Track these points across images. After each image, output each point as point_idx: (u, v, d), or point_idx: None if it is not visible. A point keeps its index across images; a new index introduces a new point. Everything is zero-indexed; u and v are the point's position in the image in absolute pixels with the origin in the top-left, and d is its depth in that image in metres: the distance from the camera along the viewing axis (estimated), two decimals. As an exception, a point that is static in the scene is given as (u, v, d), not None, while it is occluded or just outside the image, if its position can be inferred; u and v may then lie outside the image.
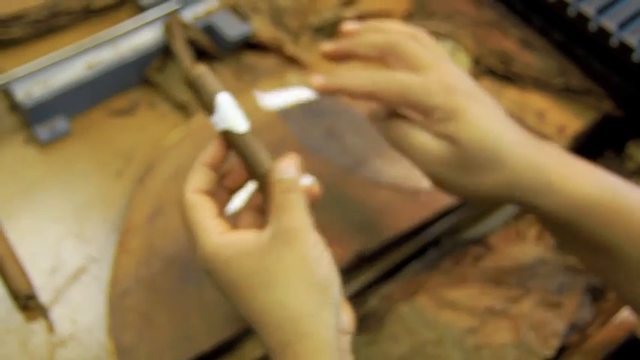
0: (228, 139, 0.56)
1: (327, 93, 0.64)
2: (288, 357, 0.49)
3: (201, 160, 0.57)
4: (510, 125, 0.59)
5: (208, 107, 0.55)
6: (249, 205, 0.60)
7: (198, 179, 0.56)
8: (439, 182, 0.61)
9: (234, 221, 0.58)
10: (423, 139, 0.59)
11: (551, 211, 0.58)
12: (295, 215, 0.51)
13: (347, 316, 0.56)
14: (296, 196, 0.52)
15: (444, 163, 0.59)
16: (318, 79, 0.64)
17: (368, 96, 0.61)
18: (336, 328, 0.51)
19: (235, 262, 0.51)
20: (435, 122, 0.59)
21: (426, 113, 0.59)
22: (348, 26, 0.67)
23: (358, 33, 0.66)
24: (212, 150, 0.57)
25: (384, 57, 0.63)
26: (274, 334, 0.50)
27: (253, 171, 0.56)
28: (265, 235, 0.52)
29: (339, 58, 0.67)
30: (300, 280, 0.50)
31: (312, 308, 0.50)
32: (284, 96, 0.62)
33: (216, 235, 0.53)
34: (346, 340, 0.54)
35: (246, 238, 0.52)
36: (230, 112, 0.54)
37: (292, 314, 0.50)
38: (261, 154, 0.56)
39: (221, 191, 0.59)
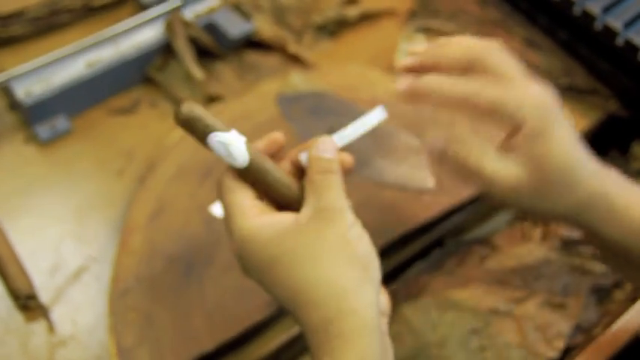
0: (234, 170, 0.54)
1: (412, 98, 0.61)
2: (332, 334, 0.48)
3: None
4: (583, 149, 0.58)
5: (204, 146, 0.53)
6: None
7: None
8: (506, 204, 0.61)
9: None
10: (498, 165, 0.56)
11: (612, 238, 0.57)
12: (333, 195, 0.51)
13: (384, 299, 0.56)
14: (334, 176, 0.52)
15: (520, 188, 0.56)
16: (405, 84, 0.61)
17: (457, 103, 0.58)
18: (377, 306, 0.51)
19: (275, 240, 0.51)
20: (523, 140, 0.55)
21: (514, 129, 0.56)
22: (417, 49, 0.64)
23: (429, 52, 0.62)
24: (264, 142, 0.57)
25: (467, 70, 0.59)
26: (318, 310, 0.49)
27: (267, 194, 0.55)
28: (304, 214, 0.51)
29: (422, 71, 0.61)
30: (343, 256, 0.50)
31: (356, 284, 0.50)
32: (354, 128, 0.60)
33: (254, 216, 0.52)
34: (384, 322, 0.54)
35: (285, 218, 0.52)
36: (224, 152, 0.52)
37: (336, 290, 0.49)
38: (267, 179, 0.54)
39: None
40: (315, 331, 0.49)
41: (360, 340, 0.48)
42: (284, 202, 0.55)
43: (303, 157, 0.55)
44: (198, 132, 0.51)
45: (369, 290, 0.50)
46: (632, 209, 0.57)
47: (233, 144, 0.52)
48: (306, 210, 0.52)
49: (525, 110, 0.55)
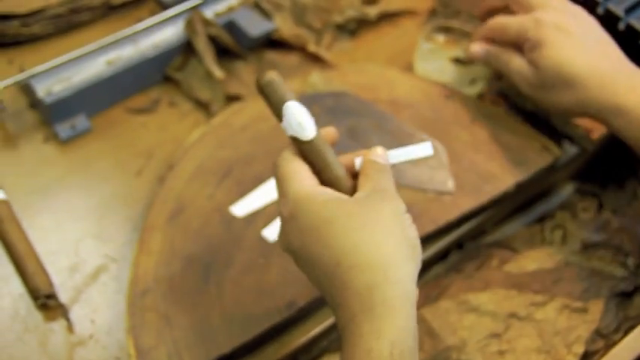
0: (297, 144, 0.57)
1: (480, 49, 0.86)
2: (376, 299, 0.49)
3: None
4: (594, 53, 0.75)
5: (277, 114, 0.56)
6: None
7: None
8: (530, 96, 0.80)
9: None
10: (519, 63, 0.79)
11: (625, 131, 0.71)
12: (388, 182, 0.56)
13: (416, 291, 0.57)
14: (389, 174, 0.57)
15: (530, 83, 0.78)
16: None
17: (487, 38, 0.85)
18: (416, 286, 0.53)
19: (333, 204, 0.53)
20: (526, 51, 0.77)
21: (521, 45, 0.78)
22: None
23: None
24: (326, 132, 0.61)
25: (508, 5, 0.84)
26: (364, 274, 0.50)
27: (321, 175, 0.57)
28: (361, 193, 0.55)
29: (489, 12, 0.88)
30: (396, 231, 0.53)
31: (404, 258, 0.52)
32: (397, 154, 0.62)
33: (313, 184, 0.55)
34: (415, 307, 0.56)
35: (342, 194, 0.56)
36: (296, 121, 0.55)
37: (386, 259, 0.51)
38: (327, 159, 0.57)
39: None
40: (359, 294, 0.50)
41: (402, 310, 0.50)
42: (336, 185, 0.57)
43: (357, 162, 0.58)
44: (276, 98, 0.55)
45: (413, 268, 0.53)
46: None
47: (305, 115, 0.55)
48: (362, 190, 0.55)
49: (525, 31, 0.77)
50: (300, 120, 0.55)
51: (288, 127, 0.56)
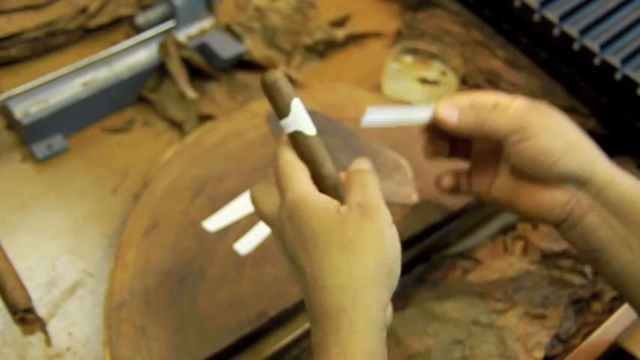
0: (296, 140, 0.58)
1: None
2: (343, 323, 0.51)
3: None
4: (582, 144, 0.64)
5: (282, 111, 0.57)
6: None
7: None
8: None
9: None
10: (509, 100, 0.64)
11: (626, 187, 0.60)
12: (373, 193, 0.55)
13: (390, 310, 0.58)
14: (372, 176, 0.56)
15: (535, 107, 0.63)
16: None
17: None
18: (385, 311, 0.54)
19: (320, 214, 0.54)
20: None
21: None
22: None
23: None
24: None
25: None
26: (335, 297, 0.52)
27: (316, 170, 0.58)
28: (345, 208, 0.54)
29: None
30: (374, 254, 0.53)
31: (376, 285, 0.52)
32: (394, 111, 0.64)
33: (312, 188, 0.56)
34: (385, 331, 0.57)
35: (334, 201, 0.55)
36: (303, 116, 0.57)
37: (357, 284, 0.52)
38: (324, 155, 0.58)
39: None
40: (327, 315, 0.52)
41: (367, 335, 0.51)
42: (327, 186, 0.58)
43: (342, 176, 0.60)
44: (284, 95, 0.56)
45: (385, 295, 0.53)
46: (617, 184, 0.60)
47: (306, 114, 0.57)
48: (347, 205, 0.55)
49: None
50: (304, 117, 0.57)
51: (293, 123, 0.57)
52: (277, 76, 0.56)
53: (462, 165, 0.72)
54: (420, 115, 0.66)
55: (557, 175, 0.60)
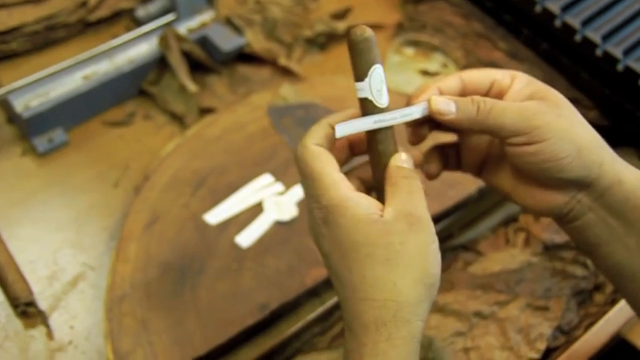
0: (366, 108, 0.53)
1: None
2: (382, 336, 0.50)
3: (329, 119, 0.56)
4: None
5: (360, 73, 0.52)
6: (354, 174, 0.58)
7: (321, 134, 0.55)
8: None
9: None
10: (512, 101, 0.56)
11: (631, 188, 0.55)
12: (419, 201, 0.52)
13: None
14: (418, 183, 0.53)
15: (544, 111, 0.54)
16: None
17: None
18: (425, 323, 0.52)
19: (362, 226, 0.51)
20: (517, 88, 0.57)
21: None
22: None
23: None
24: (346, 114, 0.56)
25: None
26: (376, 309, 0.50)
27: (375, 146, 0.55)
28: (389, 213, 0.51)
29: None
30: (417, 269, 0.51)
31: (417, 299, 0.51)
32: (394, 115, 0.55)
33: (347, 188, 0.52)
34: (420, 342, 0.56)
35: (374, 206, 0.52)
36: (378, 85, 0.52)
37: (399, 297, 0.50)
38: (389, 132, 0.54)
39: (342, 153, 0.58)
40: (366, 327, 0.51)
41: (404, 348, 0.50)
42: (371, 150, 0.55)
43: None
44: (369, 57, 0.52)
45: (426, 307, 0.52)
46: (636, 170, 0.57)
47: (385, 84, 0.53)
48: (389, 209, 0.52)
49: (511, 72, 0.58)
50: (381, 87, 0.52)
51: (366, 89, 0.52)
52: (366, 35, 0.52)
53: (450, 137, 0.63)
54: (420, 110, 0.57)
55: (562, 181, 0.55)
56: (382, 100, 0.53)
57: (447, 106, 0.55)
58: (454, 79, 0.57)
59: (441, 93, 0.56)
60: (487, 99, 0.54)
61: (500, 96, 0.57)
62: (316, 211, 0.53)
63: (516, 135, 0.53)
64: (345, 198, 0.51)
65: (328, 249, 0.53)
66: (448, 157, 0.62)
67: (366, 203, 0.52)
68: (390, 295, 0.50)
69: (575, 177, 0.54)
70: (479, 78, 0.58)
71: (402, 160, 0.54)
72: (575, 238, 0.60)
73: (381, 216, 0.51)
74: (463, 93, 0.57)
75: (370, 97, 0.52)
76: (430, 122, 0.58)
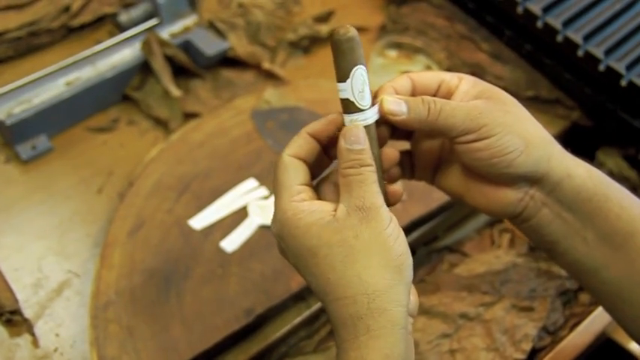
0: (347, 109, 0.53)
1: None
2: (360, 330, 0.50)
3: (307, 128, 0.56)
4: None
5: (343, 73, 0.52)
6: (330, 179, 0.57)
7: (299, 144, 0.55)
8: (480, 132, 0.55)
9: (317, 193, 0.57)
10: (460, 101, 0.56)
11: (581, 182, 0.56)
12: (367, 192, 0.52)
13: (413, 299, 0.56)
14: (366, 170, 0.52)
15: (491, 109, 0.55)
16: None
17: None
18: (407, 306, 0.52)
19: (315, 230, 0.51)
20: (464, 89, 0.57)
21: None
22: None
23: None
24: (324, 122, 0.56)
25: None
26: (349, 306, 0.51)
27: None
28: (340, 211, 0.52)
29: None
30: (378, 256, 0.51)
31: (388, 285, 0.50)
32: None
33: (299, 200, 0.53)
34: (410, 323, 0.55)
35: (327, 209, 0.52)
36: (358, 87, 0.52)
37: (368, 289, 0.50)
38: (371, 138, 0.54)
39: (324, 160, 0.58)
40: (344, 325, 0.51)
41: (386, 338, 0.50)
42: None
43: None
44: (352, 57, 0.51)
45: (401, 291, 0.51)
46: (583, 163, 0.57)
47: (368, 85, 0.52)
48: (341, 206, 0.52)
49: (459, 74, 0.58)
50: (363, 88, 0.52)
51: (348, 90, 0.52)
52: (349, 35, 0.51)
53: (403, 145, 0.62)
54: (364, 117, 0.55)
55: (512, 176, 0.55)
56: (364, 101, 0.52)
57: (398, 107, 0.54)
58: (404, 79, 0.57)
59: (395, 92, 0.56)
60: (437, 99, 0.55)
61: (448, 96, 0.57)
62: (272, 225, 0.55)
63: (466, 134, 0.54)
64: (298, 210, 0.52)
65: (292, 260, 0.54)
66: (403, 166, 0.61)
67: (318, 209, 0.52)
68: (359, 289, 0.50)
69: (524, 172, 0.55)
70: (427, 79, 0.58)
71: (351, 140, 0.53)
72: (533, 238, 0.60)
73: (334, 215, 0.52)
74: (413, 93, 0.57)
75: (352, 99, 0.52)
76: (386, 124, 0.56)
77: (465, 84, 0.57)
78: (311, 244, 0.52)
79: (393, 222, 0.53)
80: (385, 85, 0.56)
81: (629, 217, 0.56)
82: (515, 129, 0.54)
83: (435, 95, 0.57)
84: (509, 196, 0.57)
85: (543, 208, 0.57)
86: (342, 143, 0.53)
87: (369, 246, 0.51)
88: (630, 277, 0.57)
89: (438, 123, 0.54)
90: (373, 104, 0.54)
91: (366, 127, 0.53)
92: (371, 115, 0.53)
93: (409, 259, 0.53)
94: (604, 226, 0.56)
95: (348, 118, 0.53)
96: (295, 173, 0.54)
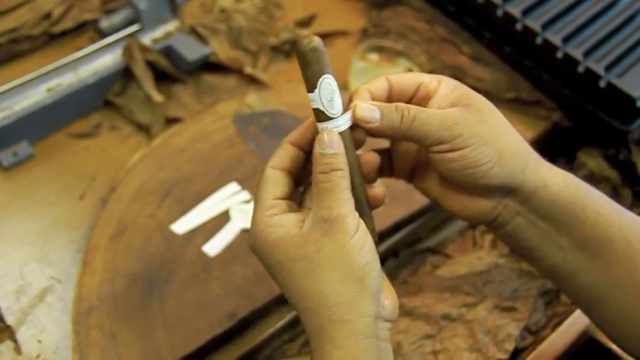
0: (319, 117, 0.53)
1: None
2: (325, 341, 0.51)
3: (288, 137, 0.56)
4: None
5: (310, 84, 0.52)
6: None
7: (281, 155, 0.56)
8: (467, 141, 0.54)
9: (303, 201, 0.58)
10: (436, 108, 0.55)
11: (557, 191, 0.55)
12: (334, 200, 0.51)
13: (390, 304, 0.56)
14: (336, 176, 0.52)
15: (457, 117, 0.53)
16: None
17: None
18: (374, 316, 0.52)
19: (280, 245, 0.52)
20: (445, 86, 0.56)
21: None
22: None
23: None
24: (301, 129, 0.56)
25: None
26: (312, 319, 0.52)
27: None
28: (307, 222, 0.52)
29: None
30: (339, 269, 0.51)
31: (349, 297, 0.51)
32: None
33: (270, 215, 0.53)
34: (385, 328, 0.55)
35: (294, 221, 0.53)
36: (329, 96, 0.51)
37: (328, 302, 0.51)
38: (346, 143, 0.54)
39: (310, 167, 0.56)
40: (312, 334, 0.52)
41: (350, 348, 0.51)
42: None
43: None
44: (317, 68, 0.51)
45: (365, 302, 0.51)
46: (562, 172, 0.57)
47: (337, 94, 0.52)
48: (309, 219, 0.52)
49: (438, 76, 0.57)
50: (332, 97, 0.51)
51: (317, 100, 0.52)
52: (312, 45, 0.50)
53: (383, 143, 0.61)
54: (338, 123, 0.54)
55: (486, 187, 0.55)
56: (333, 110, 0.52)
57: (371, 114, 0.53)
58: (382, 82, 0.56)
59: (372, 96, 0.55)
60: (411, 107, 0.54)
61: (426, 99, 0.56)
62: (248, 238, 0.56)
63: (440, 143, 0.53)
64: (267, 224, 0.53)
65: (267, 271, 0.55)
66: (382, 164, 0.60)
67: (286, 223, 0.53)
68: (320, 301, 0.51)
69: (498, 182, 0.54)
70: (406, 81, 0.57)
71: (324, 144, 0.52)
72: (509, 243, 0.60)
73: (301, 229, 0.52)
74: (390, 95, 0.56)
75: (322, 108, 0.52)
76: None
77: (443, 87, 0.56)
78: (278, 259, 0.53)
79: (360, 231, 0.52)
80: (361, 88, 0.56)
81: (606, 223, 0.56)
82: (489, 140, 0.53)
83: (412, 98, 0.57)
84: (482, 205, 0.57)
85: (517, 217, 0.57)
86: (317, 148, 0.53)
87: (330, 260, 0.51)
88: (608, 281, 0.57)
89: (410, 131, 0.53)
90: (348, 109, 0.53)
91: (340, 133, 0.53)
92: (343, 122, 0.53)
93: (375, 269, 0.52)
94: (581, 233, 0.56)
95: (320, 126, 0.53)
96: (273, 187, 0.55)
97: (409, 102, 0.56)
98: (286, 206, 0.55)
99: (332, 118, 0.52)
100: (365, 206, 0.56)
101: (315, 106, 0.52)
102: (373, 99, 0.55)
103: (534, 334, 0.79)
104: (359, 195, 0.55)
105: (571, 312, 0.80)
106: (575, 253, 0.57)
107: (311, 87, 0.52)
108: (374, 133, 0.55)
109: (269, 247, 0.53)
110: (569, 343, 0.77)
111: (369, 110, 0.53)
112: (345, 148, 0.53)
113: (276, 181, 0.55)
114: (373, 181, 0.59)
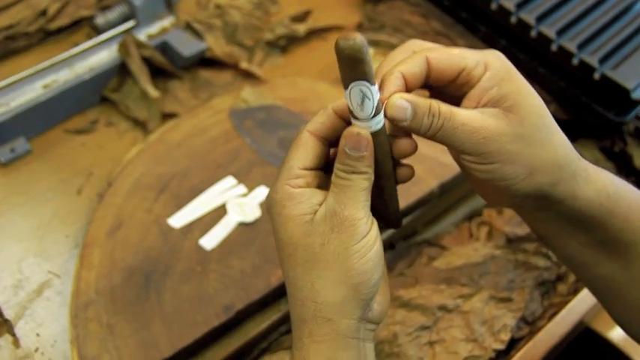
0: (350, 113, 0.50)
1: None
2: (304, 332, 0.51)
3: (334, 104, 0.53)
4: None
5: (344, 83, 0.48)
6: None
7: (321, 121, 0.53)
8: (495, 157, 0.51)
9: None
10: (469, 115, 0.50)
11: (586, 202, 0.53)
12: (351, 200, 0.50)
13: (379, 309, 0.55)
14: (358, 178, 0.50)
15: (498, 129, 0.50)
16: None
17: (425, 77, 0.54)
18: (359, 319, 0.52)
19: (290, 226, 0.51)
20: (491, 79, 0.51)
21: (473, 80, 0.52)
22: None
23: None
24: (325, 115, 0.53)
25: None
26: (297, 307, 0.52)
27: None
28: (320, 211, 0.51)
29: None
30: (336, 270, 0.50)
31: (338, 299, 0.50)
32: None
33: (294, 185, 0.51)
34: (368, 328, 0.55)
35: (312, 202, 0.51)
36: (359, 100, 0.48)
37: (317, 298, 0.50)
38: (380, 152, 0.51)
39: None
40: (294, 322, 0.53)
41: (328, 343, 0.51)
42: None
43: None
44: (353, 72, 0.47)
45: (353, 306, 0.51)
46: (601, 175, 0.55)
47: (370, 103, 0.48)
48: (324, 205, 0.51)
49: (487, 58, 0.52)
50: (362, 102, 0.48)
51: (348, 99, 0.48)
52: (346, 53, 0.46)
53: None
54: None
55: (510, 195, 0.52)
56: (362, 113, 0.49)
57: (403, 114, 0.50)
58: (419, 63, 0.51)
59: (405, 80, 0.51)
60: (442, 111, 0.50)
61: (468, 86, 0.51)
62: (266, 198, 0.53)
63: (466, 154, 0.51)
64: (287, 195, 0.51)
65: (274, 235, 0.53)
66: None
67: (306, 202, 0.51)
68: (309, 295, 0.51)
69: (522, 194, 0.52)
70: (448, 65, 0.51)
71: (351, 144, 0.50)
72: (528, 225, 0.60)
73: (315, 214, 0.51)
74: (427, 80, 0.52)
75: (351, 108, 0.49)
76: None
77: (488, 78, 0.51)
78: (282, 239, 0.52)
79: (368, 237, 0.50)
80: (394, 73, 0.51)
81: (632, 229, 0.55)
82: (521, 157, 0.50)
83: (453, 82, 0.52)
84: (504, 198, 0.55)
85: (538, 212, 0.55)
86: (342, 143, 0.50)
87: (330, 258, 0.50)
88: (627, 276, 0.57)
89: (436, 138, 0.51)
90: (378, 86, 0.49)
91: (372, 132, 0.50)
92: (374, 124, 0.50)
93: (372, 278, 0.51)
94: (604, 235, 0.55)
95: (352, 120, 0.50)
96: (305, 153, 0.52)
97: (449, 84, 0.52)
98: (312, 179, 0.52)
99: (361, 119, 0.49)
100: (393, 193, 0.55)
101: (346, 103, 0.49)
102: (407, 85, 0.51)
103: (530, 324, 0.80)
104: (386, 183, 0.53)
105: (567, 302, 0.81)
106: (595, 249, 0.56)
107: (344, 85, 0.48)
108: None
109: (280, 222, 0.51)
110: (565, 333, 0.78)
111: (400, 110, 0.50)
112: (375, 146, 0.50)
113: (309, 149, 0.52)
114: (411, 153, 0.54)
